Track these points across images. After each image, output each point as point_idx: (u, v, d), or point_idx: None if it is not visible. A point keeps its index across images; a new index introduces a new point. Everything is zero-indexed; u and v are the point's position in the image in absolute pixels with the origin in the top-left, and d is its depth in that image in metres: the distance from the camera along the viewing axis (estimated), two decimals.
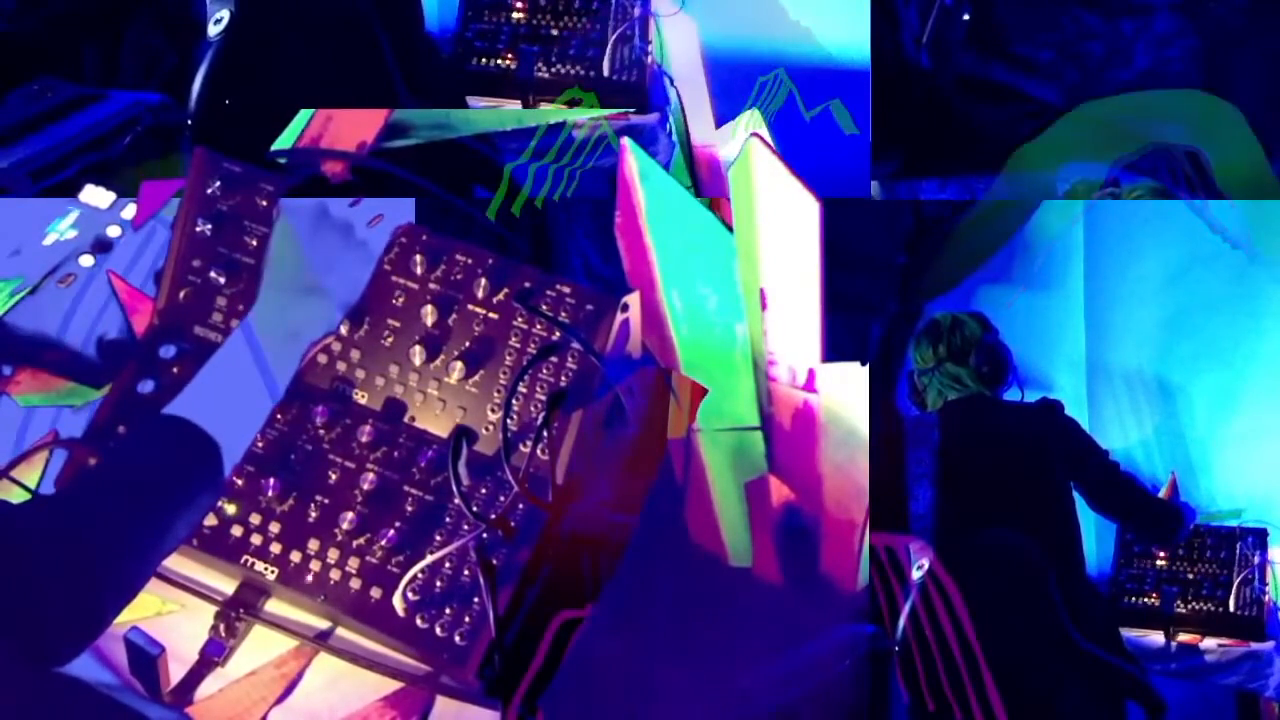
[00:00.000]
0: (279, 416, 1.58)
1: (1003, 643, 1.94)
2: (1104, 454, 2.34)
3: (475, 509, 1.49)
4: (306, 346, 1.49)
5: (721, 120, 2.26)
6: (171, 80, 2.18)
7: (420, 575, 1.47)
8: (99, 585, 1.21)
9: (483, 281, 1.60)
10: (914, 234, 2.44)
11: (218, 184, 1.67)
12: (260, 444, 1.57)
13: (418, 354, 1.59)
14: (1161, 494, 2.58)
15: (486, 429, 1.57)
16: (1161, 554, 2.57)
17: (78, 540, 1.20)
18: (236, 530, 1.52)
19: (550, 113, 2.25)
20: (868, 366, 1.60)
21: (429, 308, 1.60)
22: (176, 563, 1.53)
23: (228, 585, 1.53)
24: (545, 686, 1.50)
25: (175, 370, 1.62)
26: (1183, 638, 2.48)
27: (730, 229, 1.64)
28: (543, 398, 1.55)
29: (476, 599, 1.46)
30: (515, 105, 2.33)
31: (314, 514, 1.53)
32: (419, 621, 1.47)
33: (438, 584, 1.48)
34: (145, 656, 1.41)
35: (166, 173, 1.94)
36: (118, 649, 1.43)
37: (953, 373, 2.36)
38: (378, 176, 1.87)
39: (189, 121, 2.03)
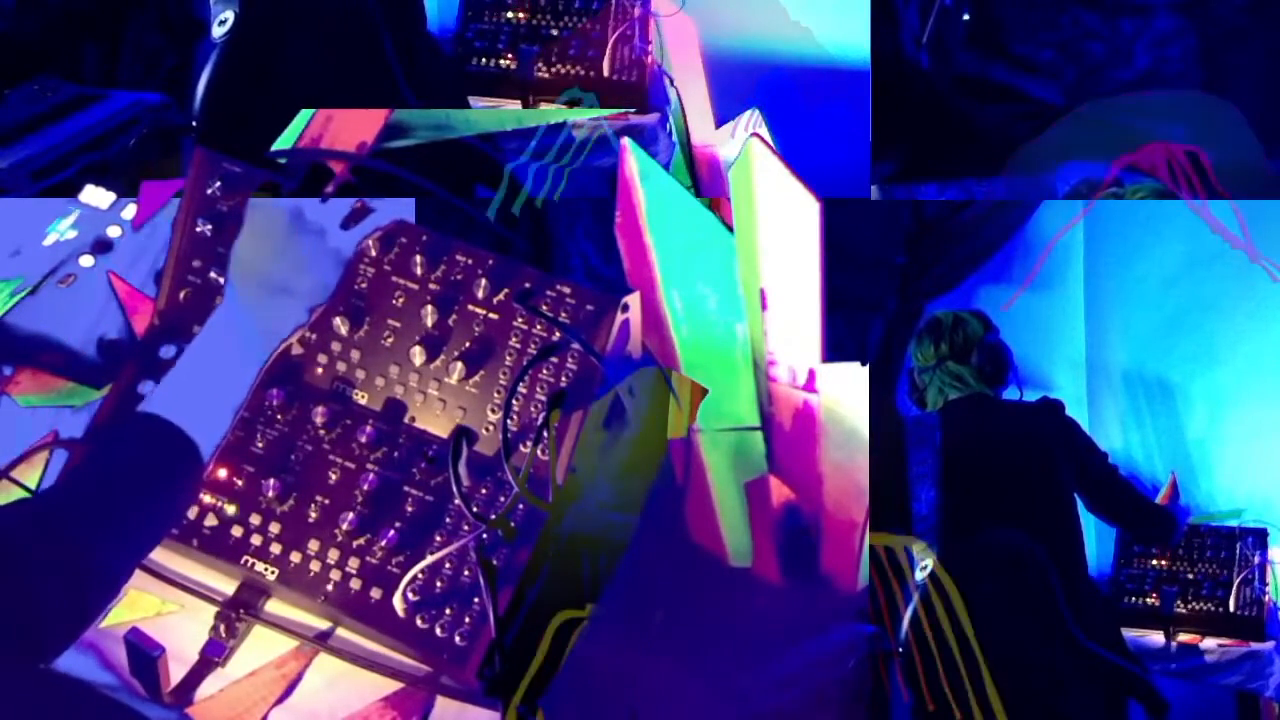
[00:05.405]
0: (258, 414, 1.58)
1: (1004, 642, 1.93)
2: (1103, 457, 2.34)
3: (475, 509, 1.49)
4: (275, 344, 1.53)
5: (721, 120, 2.26)
6: (172, 80, 2.18)
7: (420, 576, 1.47)
8: (84, 579, 1.22)
9: (483, 281, 1.60)
10: (914, 234, 2.44)
11: (218, 184, 1.67)
12: (260, 444, 1.57)
13: (418, 354, 1.58)
14: (1161, 495, 2.58)
15: (486, 429, 1.57)
16: (1162, 554, 2.57)
17: (62, 535, 1.21)
18: (236, 530, 1.52)
19: (550, 113, 2.25)
20: (868, 366, 1.59)
21: (429, 308, 1.60)
22: (176, 563, 1.53)
23: (228, 585, 1.53)
24: (545, 686, 1.50)
25: None
26: (1183, 638, 2.48)
27: (730, 229, 1.64)
28: (543, 398, 1.55)
29: (476, 599, 1.46)
30: (515, 105, 2.33)
31: (314, 514, 1.52)
32: (419, 622, 1.47)
33: (438, 584, 1.48)
34: (145, 657, 1.41)
35: (166, 173, 1.94)
36: (118, 649, 1.43)
37: (954, 371, 2.36)
38: (378, 176, 1.87)
39: (193, 123, 2.03)
